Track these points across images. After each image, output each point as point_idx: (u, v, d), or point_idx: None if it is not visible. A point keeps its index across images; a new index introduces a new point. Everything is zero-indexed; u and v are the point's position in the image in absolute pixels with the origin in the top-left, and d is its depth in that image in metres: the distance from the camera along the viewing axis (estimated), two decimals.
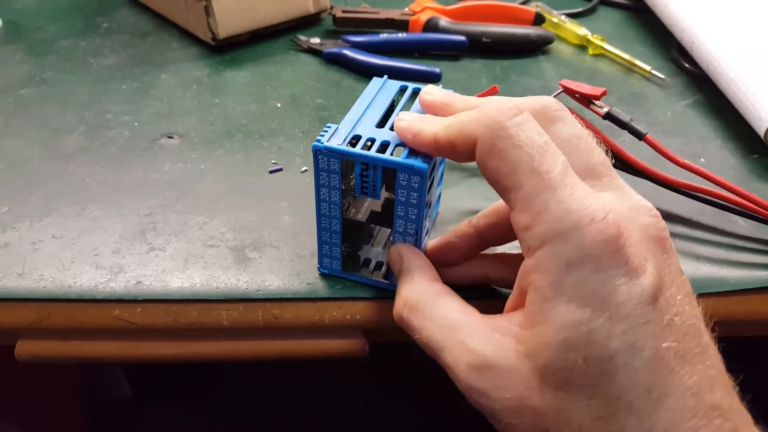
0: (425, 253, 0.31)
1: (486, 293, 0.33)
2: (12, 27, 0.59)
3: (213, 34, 0.54)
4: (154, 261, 0.35)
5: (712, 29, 0.52)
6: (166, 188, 0.40)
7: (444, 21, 0.58)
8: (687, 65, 0.55)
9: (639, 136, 0.37)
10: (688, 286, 0.23)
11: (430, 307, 0.27)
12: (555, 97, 0.28)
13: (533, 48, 0.58)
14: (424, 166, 0.27)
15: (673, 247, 0.24)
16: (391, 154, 0.28)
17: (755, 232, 0.38)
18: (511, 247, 0.33)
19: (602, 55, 0.58)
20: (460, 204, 0.40)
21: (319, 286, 0.34)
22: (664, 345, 0.21)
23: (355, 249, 0.35)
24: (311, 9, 0.60)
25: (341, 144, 0.29)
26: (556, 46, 0.59)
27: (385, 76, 0.34)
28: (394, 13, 0.59)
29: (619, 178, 0.25)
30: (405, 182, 0.28)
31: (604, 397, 0.21)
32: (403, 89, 0.33)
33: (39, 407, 0.69)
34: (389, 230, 0.36)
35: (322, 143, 0.29)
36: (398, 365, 0.81)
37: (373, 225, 0.34)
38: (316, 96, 0.51)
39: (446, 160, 0.35)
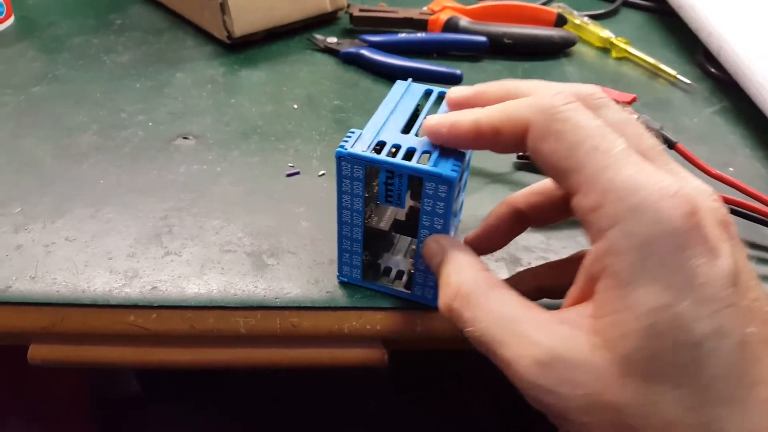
0: None
1: None
2: (24, 23, 0.59)
3: (228, 32, 0.54)
4: (169, 266, 0.34)
5: (740, 33, 0.51)
6: (182, 190, 0.40)
7: (464, 21, 0.57)
8: (713, 70, 0.54)
9: (670, 144, 0.36)
10: (755, 273, 0.22)
11: (485, 299, 0.24)
12: None
13: (556, 50, 0.57)
14: (453, 174, 0.26)
15: (737, 234, 0.23)
16: (417, 162, 0.27)
17: None
18: (531, 256, 0.32)
19: (626, 58, 0.57)
20: (483, 211, 0.38)
21: (339, 295, 0.33)
22: (748, 330, 0.20)
23: (375, 257, 0.34)
24: (328, 7, 0.59)
25: (366, 150, 0.28)
26: (578, 48, 0.58)
27: (410, 80, 0.33)
28: (413, 13, 0.58)
29: (673, 162, 0.24)
30: (432, 191, 0.27)
31: (693, 387, 0.20)
32: (428, 93, 0.32)
33: (49, 405, 0.69)
34: (410, 238, 0.35)
35: (346, 149, 0.28)
36: (416, 374, 0.80)
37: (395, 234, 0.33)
38: (333, 97, 0.50)
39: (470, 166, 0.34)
